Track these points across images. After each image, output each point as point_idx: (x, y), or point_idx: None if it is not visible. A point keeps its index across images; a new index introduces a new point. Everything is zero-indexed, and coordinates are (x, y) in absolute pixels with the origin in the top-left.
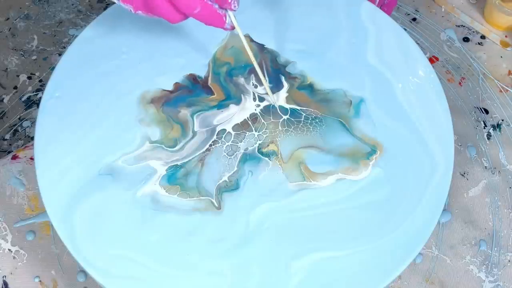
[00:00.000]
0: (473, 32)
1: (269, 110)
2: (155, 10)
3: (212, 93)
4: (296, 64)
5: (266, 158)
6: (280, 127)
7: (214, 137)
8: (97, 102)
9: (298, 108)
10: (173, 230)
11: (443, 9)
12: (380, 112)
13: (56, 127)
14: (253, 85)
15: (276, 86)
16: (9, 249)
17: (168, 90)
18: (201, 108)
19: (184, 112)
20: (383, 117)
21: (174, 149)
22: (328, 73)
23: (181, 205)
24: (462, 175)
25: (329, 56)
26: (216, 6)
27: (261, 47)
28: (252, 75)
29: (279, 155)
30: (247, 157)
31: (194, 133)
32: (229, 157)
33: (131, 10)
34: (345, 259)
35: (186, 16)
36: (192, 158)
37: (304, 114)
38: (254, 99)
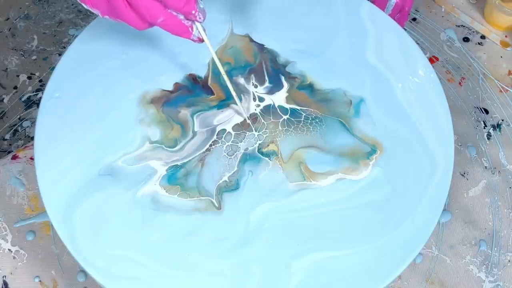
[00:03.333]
0: (473, 32)
1: (269, 110)
2: (120, 16)
3: (212, 93)
4: (296, 64)
5: (266, 158)
6: (280, 127)
7: (214, 137)
8: (97, 102)
9: (298, 108)
10: (173, 230)
11: (443, 9)
12: (380, 112)
13: (56, 127)
14: (253, 85)
15: (276, 86)
16: (9, 249)
17: (168, 90)
18: (201, 108)
19: (184, 112)
20: (383, 117)
21: (174, 149)
22: (328, 72)
23: (181, 205)
24: (462, 175)
25: (329, 56)
26: (181, 17)
27: (261, 47)
28: (252, 75)
29: (279, 155)
30: (247, 157)
31: (194, 133)
32: (229, 157)
33: (99, 14)
34: (345, 259)
35: (151, 24)
36: (192, 158)
37: (304, 114)
38: (254, 99)
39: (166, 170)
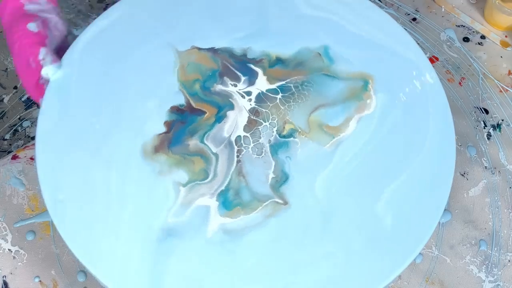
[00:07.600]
0: (473, 32)
1: (261, 98)
2: None
3: (204, 112)
4: (252, 48)
5: (291, 138)
6: (281, 106)
7: (236, 147)
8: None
9: (284, 82)
10: (259, 246)
11: (443, 9)
12: (345, 48)
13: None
14: (232, 85)
15: (252, 76)
16: (9, 249)
17: (163, 132)
18: (204, 131)
19: (193, 142)
20: (351, 50)
21: (209, 179)
22: (284, 40)
23: (253, 221)
24: (462, 175)
25: (274, 26)
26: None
27: (213, 49)
28: (225, 77)
29: (299, 130)
30: (275, 147)
31: (216, 155)
32: (260, 156)
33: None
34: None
35: None
36: (231, 177)
37: (292, 85)
38: (243, 97)
39: (217, 200)
